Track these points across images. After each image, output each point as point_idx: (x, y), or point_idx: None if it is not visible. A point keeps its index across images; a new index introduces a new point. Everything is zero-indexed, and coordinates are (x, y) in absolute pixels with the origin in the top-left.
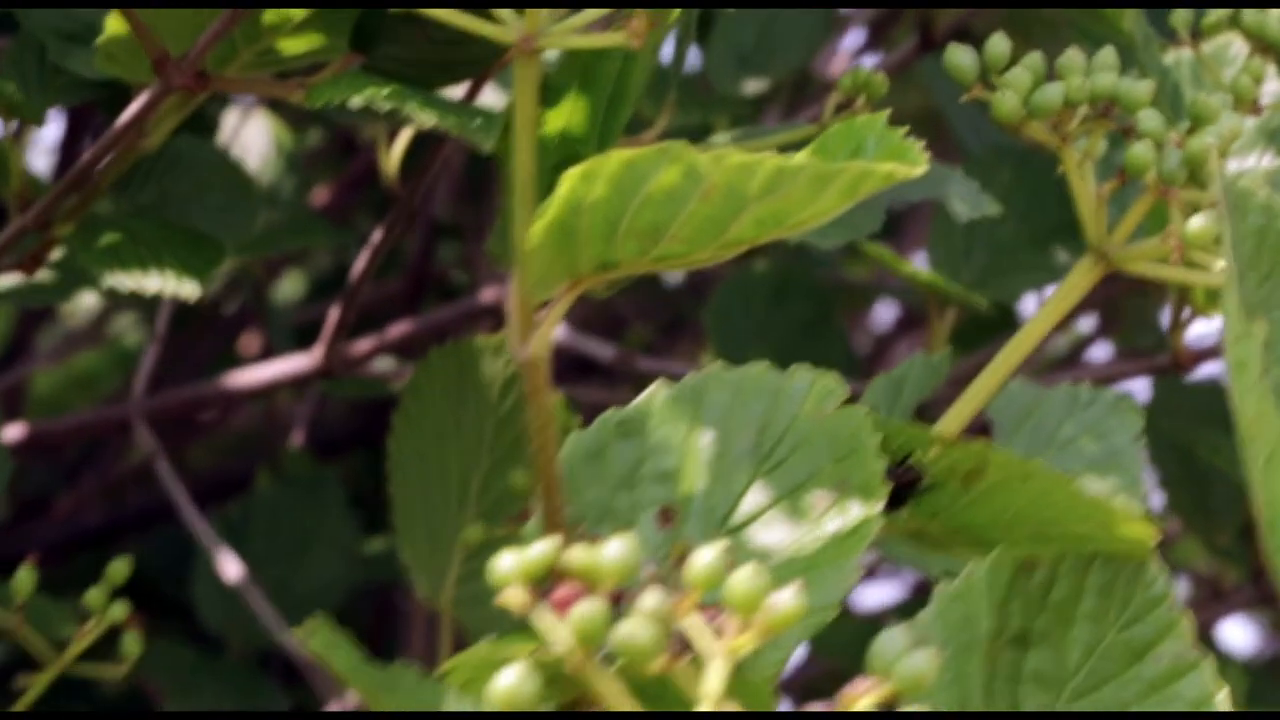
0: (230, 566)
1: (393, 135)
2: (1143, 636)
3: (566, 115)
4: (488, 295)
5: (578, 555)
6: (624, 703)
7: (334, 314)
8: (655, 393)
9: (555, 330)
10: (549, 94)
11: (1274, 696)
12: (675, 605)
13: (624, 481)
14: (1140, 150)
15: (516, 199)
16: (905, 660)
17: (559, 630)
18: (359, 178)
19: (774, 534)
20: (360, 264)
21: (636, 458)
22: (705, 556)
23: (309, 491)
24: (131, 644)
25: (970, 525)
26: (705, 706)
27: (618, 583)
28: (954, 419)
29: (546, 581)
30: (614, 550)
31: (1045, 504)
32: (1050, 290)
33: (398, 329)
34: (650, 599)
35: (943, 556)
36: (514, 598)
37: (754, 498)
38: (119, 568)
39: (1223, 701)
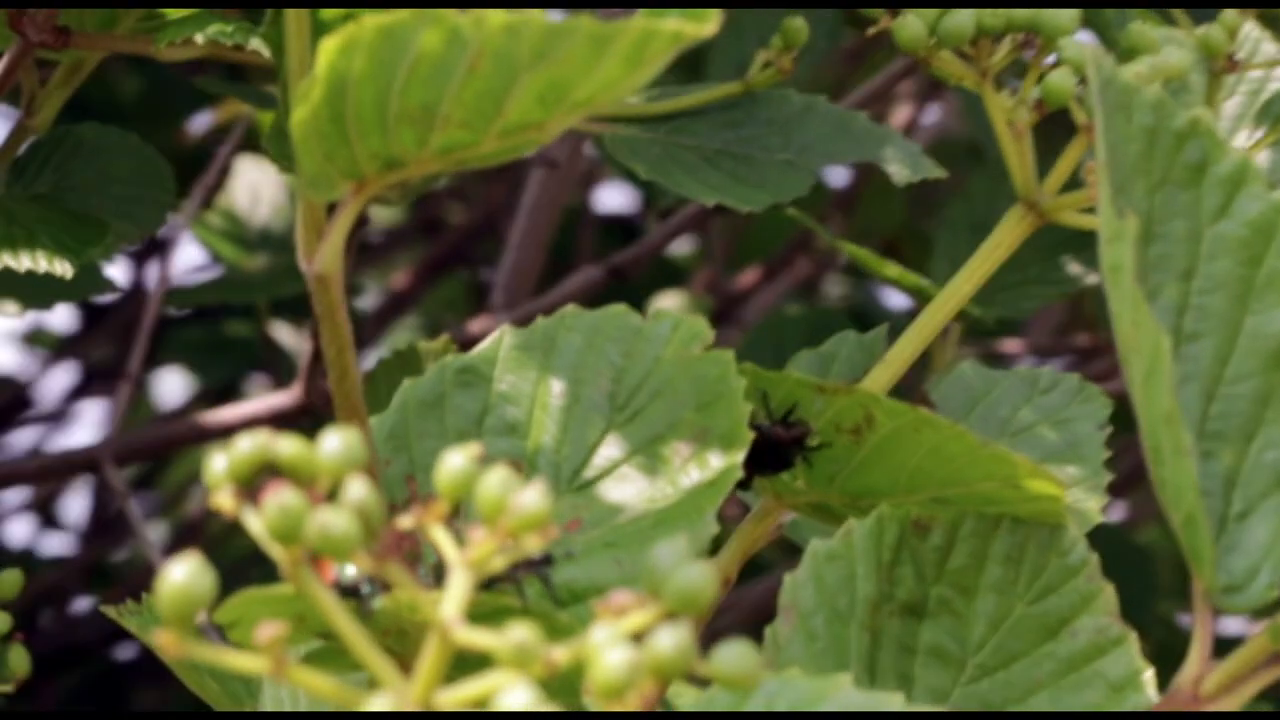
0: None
1: None
2: (1058, 609)
3: None
4: (475, 326)
5: (289, 448)
6: (339, 617)
7: (308, 346)
8: (501, 338)
9: None
10: None
11: None
12: (422, 516)
13: (465, 434)
14: (1059, 79)
15: (290, 88)
16: (679, 574)
17: (258, 527)
18: (439, 261)
19: (628, 489)
20: None
21: (479, 408)
22: (454, 461)
23: None
24: (18, 660)
25: (869, 490)
26: (441, 628)
27: (334, 479)
28: (871, 386)
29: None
30: (331, 444)
31: (943, 459)
32: None
33: (374, 358)
34: (356, 489)
35: None
36: (223, 501)
37: (608, 451)
38: (11, 579)
39: (1149, 681)
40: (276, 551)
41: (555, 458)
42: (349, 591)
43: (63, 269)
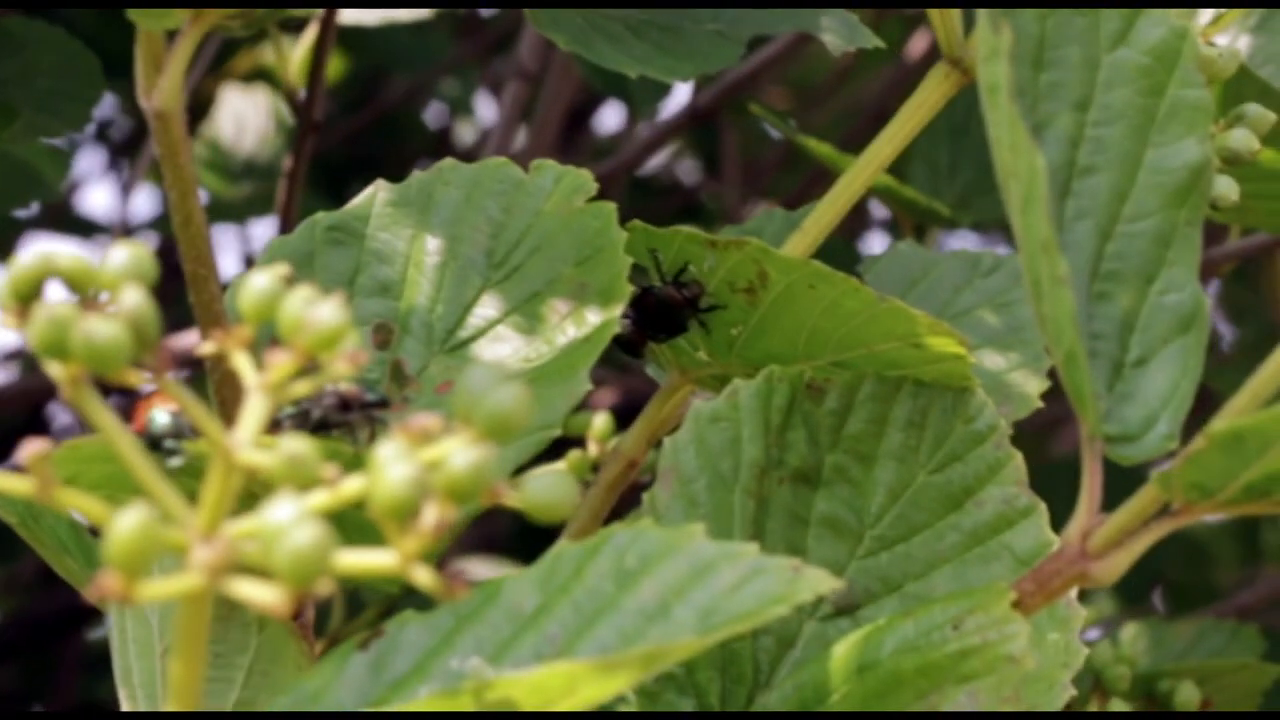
0: None
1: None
2: (962, 479)
3: None
4: None
5: (67, 262)
6: (121, 439)
7: None
8: (375, 194)
9: None
10: None
11: None
12: (224, 340)
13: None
14: None
15: None
16: (491, 397)
17: (31, 338)
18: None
19: (504, 348)
20: (281, 196)
21: (351, 267)
22: (255, 281)
23: None
24: None
25: (768, 356)
26: (223, 450)
27: (114, 288)
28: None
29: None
30: (116, 257)
31: (840, 317)
32: None
33: None
34: (130, 298)
35: None
36: (6, 318)
37: (484, 310)
38: None
39: None
40: (54, 369)
41: (429, 318)
42: (158, 440)
43: None
